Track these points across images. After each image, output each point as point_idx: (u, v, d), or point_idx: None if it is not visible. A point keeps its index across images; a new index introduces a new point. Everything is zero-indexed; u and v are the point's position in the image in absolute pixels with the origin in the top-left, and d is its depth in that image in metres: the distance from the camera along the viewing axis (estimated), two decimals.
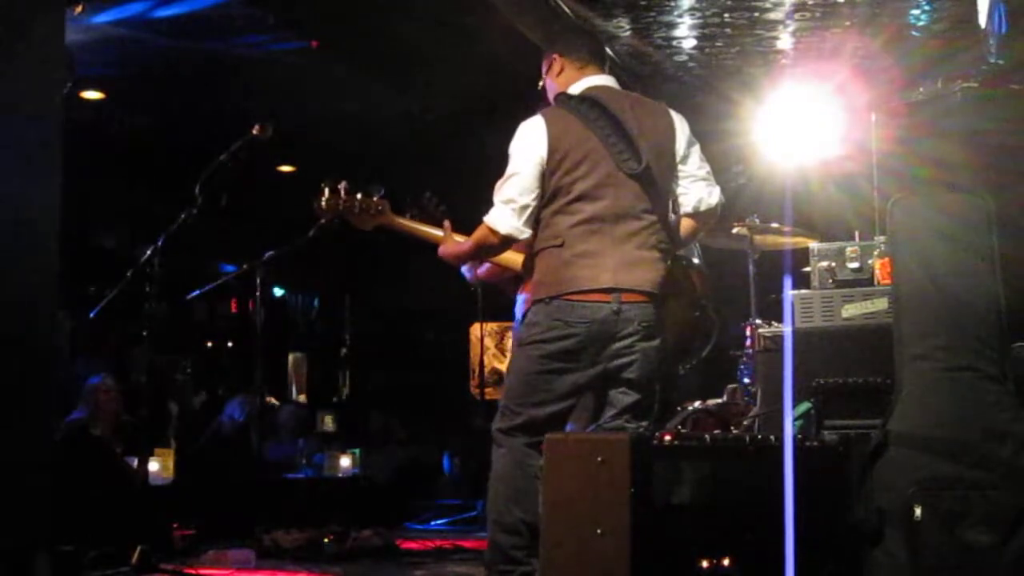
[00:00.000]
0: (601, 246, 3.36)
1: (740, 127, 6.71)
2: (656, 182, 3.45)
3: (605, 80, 3.59)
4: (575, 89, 3.55)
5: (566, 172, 3.38)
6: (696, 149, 3.56)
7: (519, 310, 4.06)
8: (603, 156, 3.40)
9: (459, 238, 3.68)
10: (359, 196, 3.89)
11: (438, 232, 3.80)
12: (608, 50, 6.69)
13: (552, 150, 3.39)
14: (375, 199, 3.91)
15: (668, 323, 3.55)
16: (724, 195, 3.66)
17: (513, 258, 3.75)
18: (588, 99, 3.49)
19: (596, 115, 3.44)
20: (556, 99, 3.56)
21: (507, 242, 3.46)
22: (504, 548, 3.40)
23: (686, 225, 3.58)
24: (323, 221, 4.11)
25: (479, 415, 8.03)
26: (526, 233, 3.41)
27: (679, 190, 3.54)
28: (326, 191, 3.90)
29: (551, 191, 3.39)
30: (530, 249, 3.49)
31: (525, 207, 3.39)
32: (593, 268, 3.35)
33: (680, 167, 3.53)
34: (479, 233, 3.48)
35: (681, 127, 3.56)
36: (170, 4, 5.75)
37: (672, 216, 3.56)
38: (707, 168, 3.58)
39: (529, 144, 3.41)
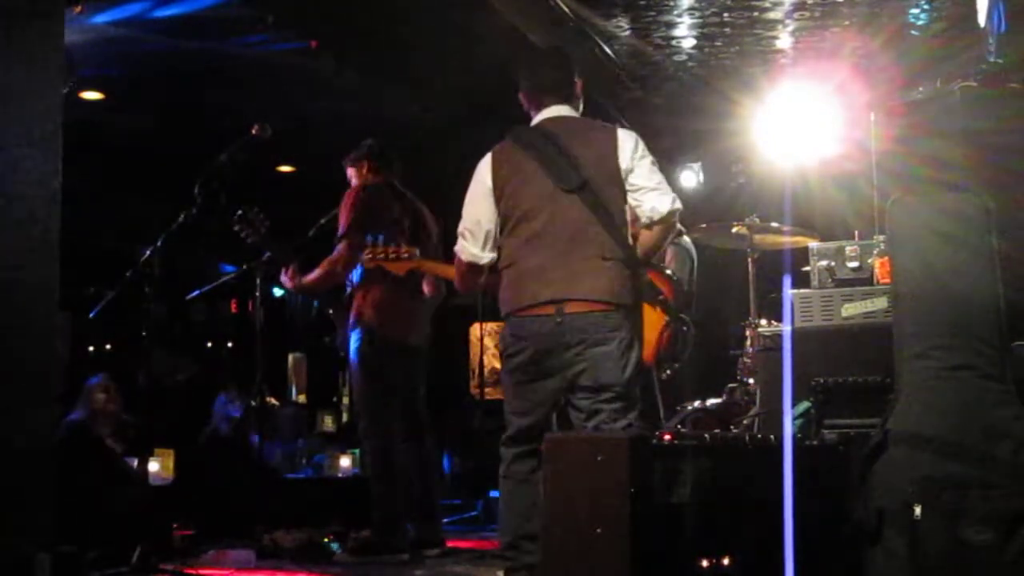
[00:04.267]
0: (544, 261, 3.56)
1: (740, 127, 6.73)
2: (599, 197, 3.58)
3: (559, 111, 3.76)
4: (534, 121, 3.78)
5: (509, 197, 3.63)
6: (645, 162, 3.64)
7: None
8: (541, 177, 3.60)
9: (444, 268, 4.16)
10: (394, 247, 4.45)
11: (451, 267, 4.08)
12: (609, 50, 6.73)
13: (495, 179, 3.66)
14: (407, 248, 4.47)
15: (645, 330, 3.75)
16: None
17: None
18: (537, 129, 3.74)
19: (541, 142, 3.66)
20: (511, 133, 3.77)
21: (474, 268, 3.73)
22: (503, 550, 3.65)
23: (645, 236, 3.66)
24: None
25: (477, 415, 8.04)
26: (486, 258, 3.69)
27: (632, 202, 3.63)
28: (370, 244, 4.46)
29: (502, 217, 3.66)
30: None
31: (479, 233, 3.68)
32: (536, 283, 3.55)
33: (629, 180, 3.63)
34: (456, 262, 3.80)
35: (625, 143, 3.65)
36: (170, 4, 5.74)
37: (628, 228, 3.66)
38: (658, 179, 3.65)
39: (477, 178, 3.73)
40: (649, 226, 3.62)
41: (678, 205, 3.63)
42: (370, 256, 4.41)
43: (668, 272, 4.31)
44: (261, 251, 5.27)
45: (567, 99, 3.78)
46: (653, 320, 3.99)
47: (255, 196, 5.13)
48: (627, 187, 3.61)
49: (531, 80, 3.82)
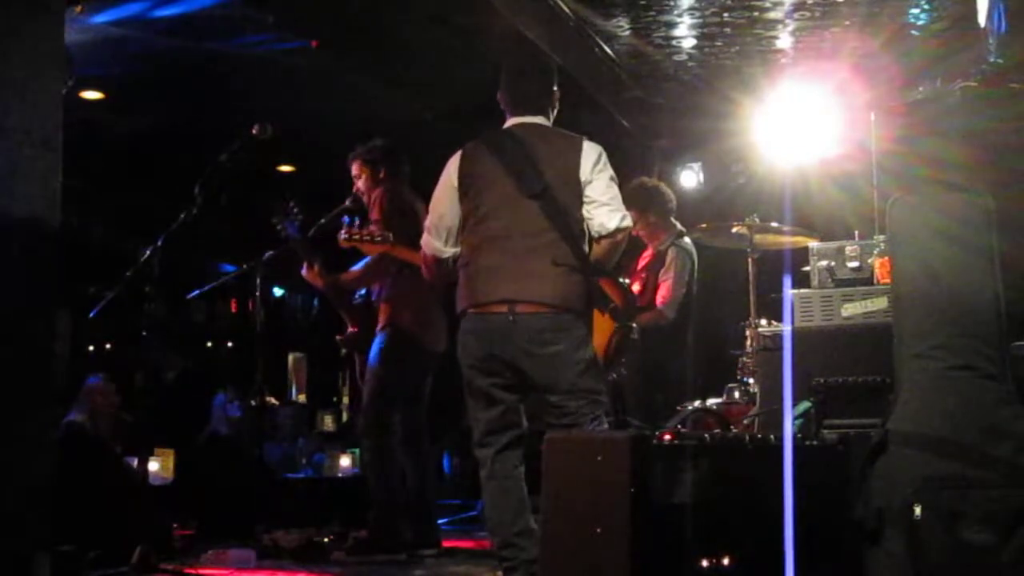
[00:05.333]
0: (500, 261, 3.65)
1: (740, 126, 6.72)
2: (558, 203, 3.67)
3: (531, 119, 3.84)
4: (507, 124, 3.87)
5: (473, 195, 3.73)
6: (603, 176, 3.72)
7: None
8: (505, 180, 3.70)
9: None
10: (369, 228, 4.65)
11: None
12: (609, 50, 6.73)
13: (462, 177, 3.76)
14: (381, 231, 4.63)
15: (595, 333, 3.84)
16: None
17: None
18: (507, 133, 3.83)
19: (509, 145, 3.76)
20: (486, 134, 3.87)
21: (439, 262, 3.82)
22: (497, 549, 3.68)
23: (595, 248, 3.74)
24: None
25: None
26: (448, 252, 3.79)
27: (585, 215, 3.71)
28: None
29: (464, 214, 3.75)
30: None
31: (442, 228, 3.79)
32: (491, 282, 3.65)
33: (585, 193, 3.71)
34: (421, 254, 3.91)
35: (588, 156, 3.73)
36: (170, 4, 5.74)
37: (584, 237, 3.72)
38: (612, 194, 3.73)
39: (445, 175, 3.83)
40: (598, 240, 3.72)
41: (627, 223, 3.73)
42: (346, 237, 4.55)
43: (621, 280, 4.34)
44: (271, 244, 5.28)
45: (541, 110, 3.87)
46: (602, 326, 4.05)
47: (255, 196, 5.14)
48: (583, 199, 3.69)
49: (511, 87, 3.91)
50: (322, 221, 5.24)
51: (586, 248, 3.71)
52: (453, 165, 3.82)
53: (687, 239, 5.81)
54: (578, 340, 3.62)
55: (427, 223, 3.86)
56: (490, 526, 3.75)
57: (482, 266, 3.68)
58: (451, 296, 5.27)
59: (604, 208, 3.70)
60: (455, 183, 3.78)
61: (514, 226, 3.67)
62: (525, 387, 3.67)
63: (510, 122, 3.88)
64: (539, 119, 3.86)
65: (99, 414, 5.76)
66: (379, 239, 4.54)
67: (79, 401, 5.72)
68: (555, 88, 3.92)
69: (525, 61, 4.08)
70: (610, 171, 3.75)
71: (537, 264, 3.62)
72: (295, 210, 5.11)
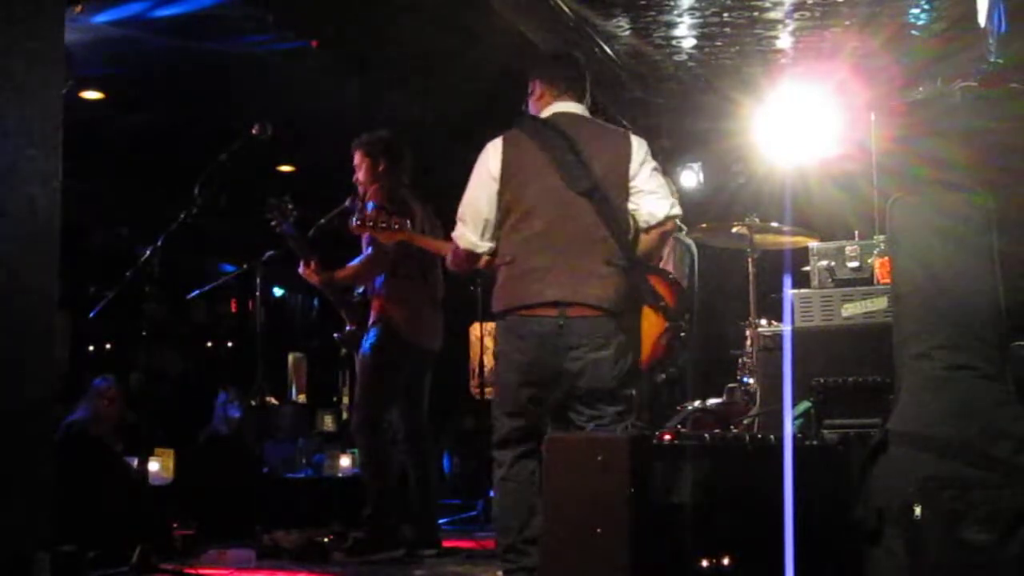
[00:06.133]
0: (549, 261, 3.50)
1: (740, 126, 6.72)
2: (609, 201, 3.56)
3: (573, 108, 3.73)
4: (544, 113, 3.72)
5: (516, 189, 3.56)
6: (648, 167, 3.65)
7: None
8: (553, 175, 3.54)
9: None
10: (385, 214, 4.39)
11: (446, 244, 4.03)
12: (609, 50, 6.73)
13: (504, 168, 3.57)
14: (397, 217, 4.38)
15: (644, 333, 3.75)
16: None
17: None
18: (549, 123, 3.66)
19: (553, 137, 3.59)
20: (524, 121, 3.72)
21: (472, 256, 3.67)
22: (500, 552, 3.58)
23: (643, 240, 3.66)
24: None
25: (470, 416, 8.04)
26: (484, 247, 3.62)
27: (631, 206, 3.62)
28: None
29: (504, 209, 3.57)
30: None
31: (478, 222, 3.60)
32: (539, 283, 3.49)
33: (631, 184, 3.62)
34: (453, 249, 3.74)
35: (637, 150, 3.65)
36: (170, 4, 5.74)
37: (630, 234, 3.64)
38: (658, 183, 3.66)
39: (485, 164, 3.63)
40: (647, 230, 3.63)
41: (676, 211, 3.65)
42: (359, 223, 4.38)
43: (671, 276, 4.30)
44: (271, 244, 5.28)
45: (580, 98, 3.75)
46: (652, 324, 3.97)
47: (255, 196, 5.14)
48: (629, 191, 3.61)
49: (548, 73, 3.78)
50: (322, 221, 5.24)
51: (632, 245, 3.61)
52: (493, 155, 3.62)
53: (685, 234, 5.80)
54: (625, 345, 3.52)
55: (461, 215, 3.66)
56: (498, 527, 3.64)
57: (528, 266, 3.52)
58: (451, 296, 5.30)
59: (652, 197, 3.61)
60: (495, 174, 3.59)
61: (562, 223, 3.52)
62: (563, 393, 3.53)
63: (549, 110, 3.72)
64: (579, 108, 3.73)
65: (102, 416, 5.76)
66: (396, 227, 4.35)
67: (84, 402, 5.72)
68: (588, 83, 3.82)
69: (559, 52, 3.99)
70: (653, 161, 3.67)
71: (588, 264, 3.50)
72: (290, 207, 5.09)
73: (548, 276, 3.48)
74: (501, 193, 3.57)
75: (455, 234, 3.69)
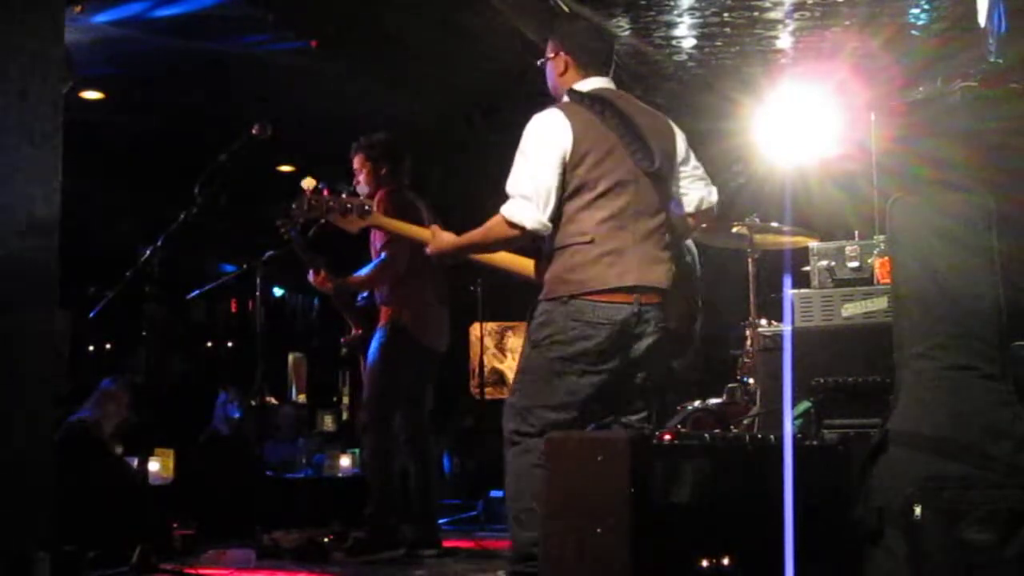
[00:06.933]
0: (625, 244, 3.33)
1: (740, 126, 6.72)
2: (666, 181, 3.49)
3: (611, 84, 3.58)
4: (582, 87, 3.51)
5: (592, 167, 3.34)
6: (692, 152, 3.62)
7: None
8: (623, 152, 3.38)
9: (447, 236, 3.63)
10: (344, 196, 3.85)
11: (426, 231, 3.78)
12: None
13: (577, 143, 3.34)
14: (361, 199, 3.94)
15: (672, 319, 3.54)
16: (722, 195, 3.71)
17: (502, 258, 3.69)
18: (599, 98, 3.46)
19: (610, 114, 3.42)
20: (569, 95, 3.51)
21: (527, 238, 3.38)
22: (526, 546, 3.27)
23: (686, 224, 3.63)
24: (301, 222, 4.24)
25: (470, 416, 8.04)
26: (549, 228, 3.34)
27: (680, 190, 3.59)
28: (308, 192, 3.87)
29: (575, 186, 3.34)
30: (548, 244, 3.40)
31: (550, 200, 3.32)
32: (618, 266, 3.31)
33: (681, 168, 3.58)
34: (496, 228, 3.38)
35: (680, 134, 3.61)
36: (170, 4, 5.75)
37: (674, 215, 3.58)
38: (702, 169, 3.65)
39: (553, 137, 3.35)
40: (695, 215, 3.60)
41: (720, 198, 3.66)
42: (314, 203, 3.85)
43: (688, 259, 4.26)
44: (271, 244, 5.28)
45: (612, 75, 3.60)
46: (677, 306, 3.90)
47: (255, 196, 5.14)
48: (677, 175, 3.55)
49: (582, 45, 3.57)
50: (322, 221, 5.24)
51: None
52: (562, 127, 3.35)
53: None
54: (668, 330, 3.43)
55: (523, 191, 3.32)
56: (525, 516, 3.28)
57: (608, 248, 3.31)
58: (451, 296, 5.30)
59: (701, 183, 3.59)
60: (567, 148, 3.32)
61: (635, 204, 3.36)
62: (618, 386, 3.38)
63: (590, 85, 3.51)
64: (613, 85, 3.56)
65: (109, 418, 5.76)
66: (367, 209, 3.83)
67: (90, 402, 5.71)
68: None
69: (591, 24, 3.76)
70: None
71: (656, 248, 3.39)
72: (298, 214, 5.09)
73: (625, 259, 3.32)
74: (574, 168, 3.33)
75: (512, 213, 3.33)
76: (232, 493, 5.70)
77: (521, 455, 3.34)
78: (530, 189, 3.32)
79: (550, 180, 3.32)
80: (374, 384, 5.05)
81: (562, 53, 3.58)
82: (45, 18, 3.25)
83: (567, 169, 3.33)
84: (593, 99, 3.46)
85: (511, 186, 3.36)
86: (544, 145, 3.35)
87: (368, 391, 5.09)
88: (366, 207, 3.81)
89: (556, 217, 3.35)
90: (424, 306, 5.08)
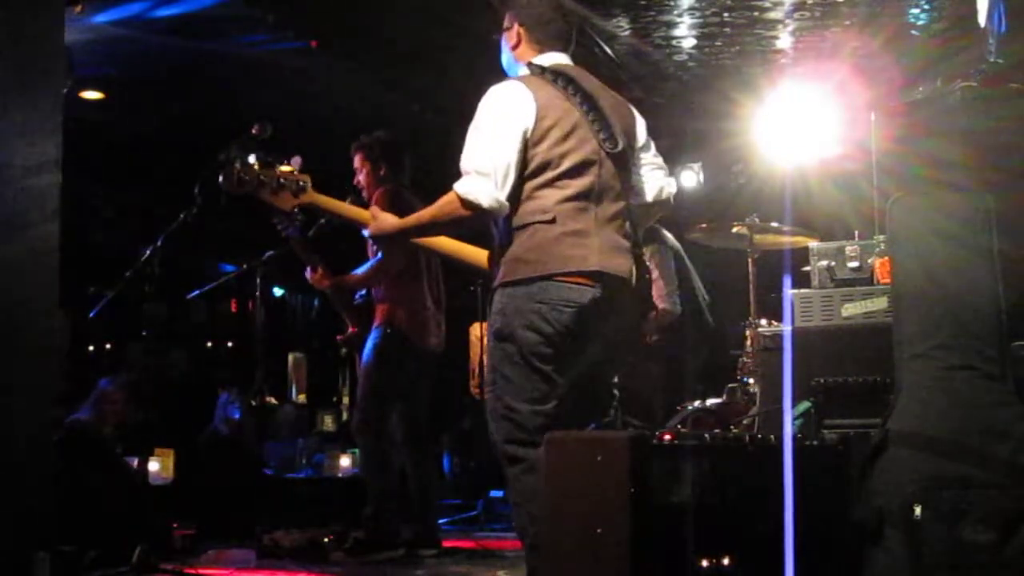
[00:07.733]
0: (587, 226, 3.14)
1: (740, 126, 6.73)
2: (627, 166, 3.31)
3: (568, 60, 3.37)
4: (542, 61, 3.31)
5: (555, 144, 3.14)
6: (651, 140, 3.46)
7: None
8: (588, 131, 3.19)
9: (390, 217, 3.42)
10: (279, 170, 3.52)
11: (365, 212, 3.55)
12: (609, 50, 6.73)
13: (540, 118, 3.14)
14: (296, 174, 3.55)
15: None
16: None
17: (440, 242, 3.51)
18: (561, 73, 3.27)
19: (573, 90, 3.22)
20: (529, 68, 3.30)
21: (482, 218, 3.15)
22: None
23: (643, 213, 3.46)
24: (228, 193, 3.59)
25: (470, 416, 8.04)
26: (507, 208, 3.12)
27: (640, 178, 3.42)
28: (238, 164, 3.51)
29: (537, 163, 3.13)
30: (504, 225, 3.19)
31: (507, 178, 3.09)
32: (582, 248, 3.11)
33: (641, 154, 3.41)
34: (448, 206, 3.15)
35: (640, 120, 3.43)
36: (170, 4, 5.75)
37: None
38: (661, 159, 3.49)
39: (513, 109, 3.14)
40: (652, 205, 3.43)
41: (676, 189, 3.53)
42: (244, 178, 3.50)
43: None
44: (271, 244, 5.29)
45: (569, 53, 3.39)
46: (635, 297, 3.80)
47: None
48: (637, 162, 3.39)
49: (540, 16, 3.36)
50: (321, 221, 5.24)
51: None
52: (524, 100, 3.14)
53: (668, 235, 5.77)
54: (625, 320, 3.26)
55: (480, 167, 3.08)
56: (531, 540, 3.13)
57: (571, 228, 3.11)
58: (450, 296, 5.30)
59: (661, 172, 3.43)
60: (529, 123, 3.12)
61: (600, 187, 3.18)
62: (588, 374, 3.21)
63: (549, 60, 3.30)
64: (571, 62, 3.36)
65: (107, 418, 5.76)
66: (302, 185, 3.52)
67: (88, 402, 5.72)
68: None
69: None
70: None
71: (618, 233, 3.21)
72: (296, 212, 5.09)
73: (589, 241, 3.12)
74: (536, 145, 3.13)
75: (467, 190, 3.09)
76: (232, 493, 5.71)
77: (526, 474, 3.13)
78: (487, 164, 3.09)
79: (509, 155, 3.09)
80: (367, 382, 5.05)
81: (516, 25, 3.39)
82: (45, 18, 3.25)
83: (528, 145, 3.13)
84: (556, 74, 3.25)
85: (465, 161, 3.13)
86: (503, 118, 3.13)
87: (362, 389, 5.10)
88: (300, 183, 3.50)
89: (514, 196, 3.13)
90: (419, 306, 5.08)
